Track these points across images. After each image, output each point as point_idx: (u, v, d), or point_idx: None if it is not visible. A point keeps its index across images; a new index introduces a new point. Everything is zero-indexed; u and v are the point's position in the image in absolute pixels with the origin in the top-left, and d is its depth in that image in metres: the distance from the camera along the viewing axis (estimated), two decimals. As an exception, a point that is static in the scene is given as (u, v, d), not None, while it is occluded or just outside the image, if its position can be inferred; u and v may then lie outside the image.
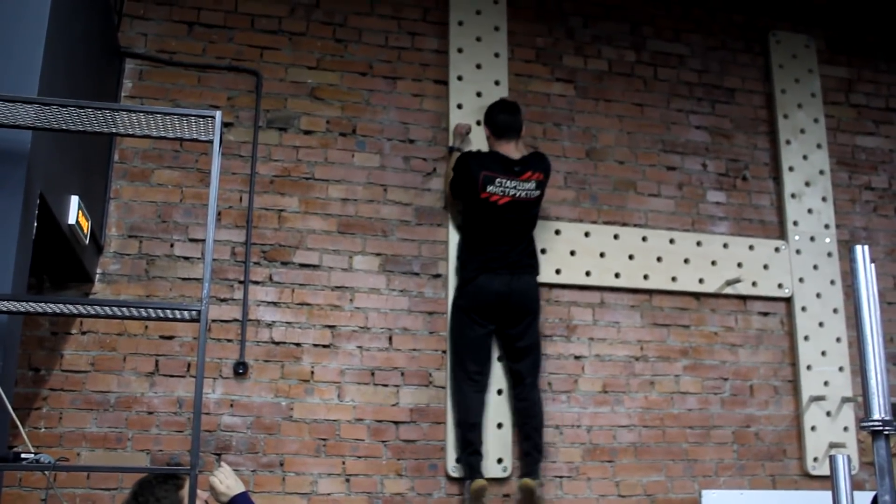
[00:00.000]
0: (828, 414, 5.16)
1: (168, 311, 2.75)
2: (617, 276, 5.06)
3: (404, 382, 4.66)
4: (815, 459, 5.09)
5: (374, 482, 4.51)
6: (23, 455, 2.65)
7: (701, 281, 5.19)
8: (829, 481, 4.84)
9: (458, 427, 4.56)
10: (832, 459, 2.76)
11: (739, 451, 5.05)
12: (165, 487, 3.18)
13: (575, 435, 4.83)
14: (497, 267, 4.56)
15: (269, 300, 4.60)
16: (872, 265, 2.38)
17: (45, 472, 2.67)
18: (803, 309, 5.30)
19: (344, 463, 4.50)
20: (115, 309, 2.75)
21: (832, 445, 5.04)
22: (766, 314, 5.30)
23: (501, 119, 4.72)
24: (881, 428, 2.25)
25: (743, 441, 5.07)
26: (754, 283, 5.27)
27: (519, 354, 4.67)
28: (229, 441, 4.39)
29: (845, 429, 5.13)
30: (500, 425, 4.68)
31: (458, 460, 4.54)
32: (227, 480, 3.30)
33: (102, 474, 4.22)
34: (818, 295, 5.34)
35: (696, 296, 5.20)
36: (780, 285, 5.30)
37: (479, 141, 4.92)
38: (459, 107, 5.04)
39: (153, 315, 2.79)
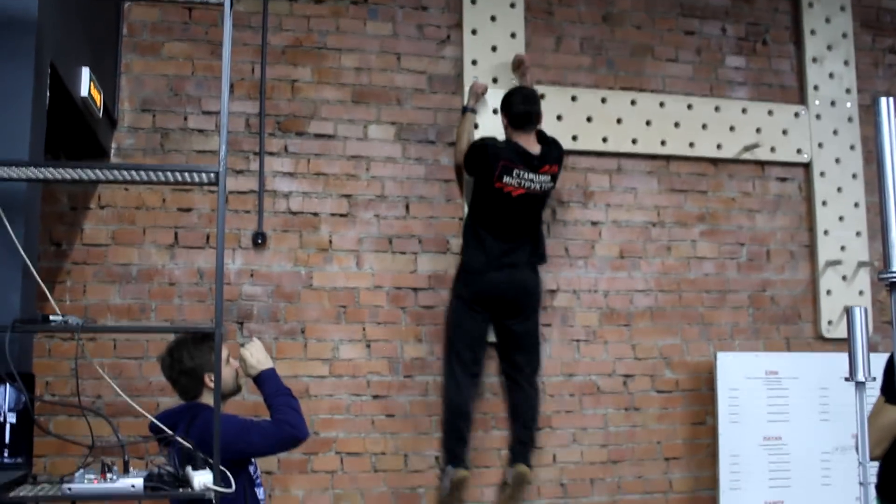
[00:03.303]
0: (843, 278, 5.19)
1: (187, 175, 2.74)
2: (634, 142, 5.02)
3: (422, 249, 4.70)
4: (830, 322, 5.14)
5: (394, 347, 4.61)
6: (51, 318, 2.70)
7: (719, 146, 5.14)
8: (842, 344, 4.90)
9: (448, 414, 4.51)
10: (849, 311, 2.79)
11: (755, 314, 5.10)
12: (200, 347, 3.24)
13: (592, 299, 4.88)
14: (502, 261, 4.47)
15: (285, 171, 4.60)
16: (897, 119, 2.35)
17: (75, 335, 2.70)
18: (822, 174, 5.26)
19: (364, 329, 4.58)
20: (133, 173, 2.75)
21: (847, 309, 5.07)
22: (784, 179, 5.27)
23: (520, 110, 4.52)
24: (899, 279, 2.26)
25: (758, 305, 5.12)
26: (773, 149, 5.22)
27: (517, 342, 4.59)
28: (251, 309, 4.47)
29: (860, 293, 5.17)
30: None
31: (442, 444, 4.52)
32: (257, 354, 3.35)
33: (129, 344, 4.32)
34: (837, 160, 5.29)
35: (714, 161, 5.16)
36: (798, 150, 5.25)
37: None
38: (472, -29, 4.91)
39: (171, 179, 2.78)
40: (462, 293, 4.52)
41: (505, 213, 4.47)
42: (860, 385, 2.77)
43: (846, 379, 2.83)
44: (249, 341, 3.40)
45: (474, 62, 4.83)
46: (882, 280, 2.28)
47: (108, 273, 4.38)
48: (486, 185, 4.48)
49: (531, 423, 4.58)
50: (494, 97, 4.74)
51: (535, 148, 4.52)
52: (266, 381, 3.33)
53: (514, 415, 4.60)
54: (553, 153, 4.57)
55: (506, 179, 4.41)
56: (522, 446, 4.54)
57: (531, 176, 4.45)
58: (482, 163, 4.48)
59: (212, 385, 3.21)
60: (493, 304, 4.50)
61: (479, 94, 4.73)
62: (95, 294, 4.35)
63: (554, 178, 4.56)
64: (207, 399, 3.26)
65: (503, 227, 4.49)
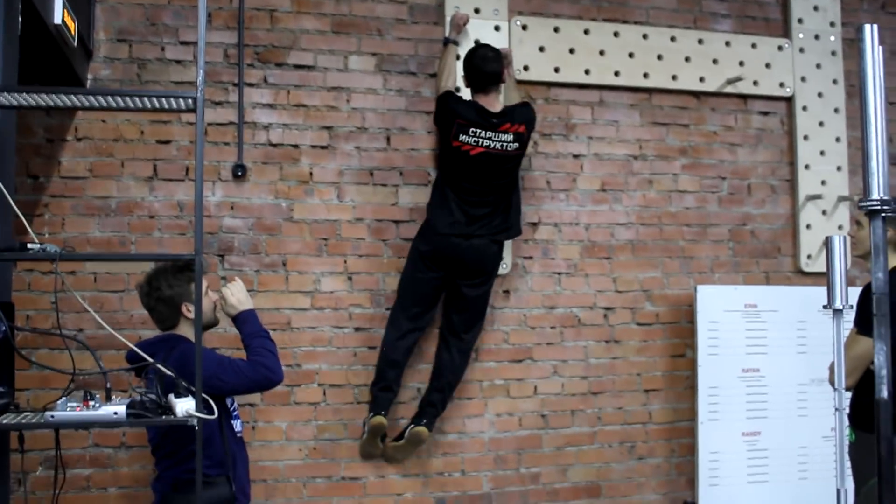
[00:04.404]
0: (823, 213, 5.22)
1: (164, 101, 2.71)
2: (616, 74, 4.98)
3: (403, 182, 4.68)
4: (809, 257, 5.18)
5: (376, 280, 4.61)
6: (29, 245, 2.67)
7: (702, 80, 5.11)
8: (821, 278, 4.94)
9: (380, 360, 4.50)
10: (829, 240, 2.80)
11: (735, 248, 5.13)
12: (179, 277, 3.25)
13: (573, 232, 4.89)
14: (466, 229, 4.40)
15: (264, 102, 4.54)
16: (881, 47, 2.33)
17: (54, 265, 2.68)
18: (804, 108, 5.26)
19: (346, 262, 4.58)
20: (110, 99, 2.70)
21: (827, 238, 5.09)
22: (766, 113, 5.26)
23: (478, 70, 4.42)
24: (879, 208, 2.26)
25: (739, 239, 5.15)
26: (755, 82, 5.20)
27: (464, 305, 4.53)
28: (231, 242, 4.45)
29: (840, 227, 5.19)
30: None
31: (370, 388, 4.52)
32: (238, 294, 3.35)
33: (109, 277, 4.30)
34: (820, 94, 5.29)
35: (697, 95, 5.14)
36: (781, 84, 5.24)
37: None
38: None
39: (149, 105, 2.75)
40: (420, 247, 4.48)
41: (466, 172, 4.41)
42: (837, 313, 2.80)
43: (824, 306, 2.86)
44: (231, 281, 3.40)
45: (456, -8, 4.76)
46: (862, 208, 2.28)
47: (86, 206, 4.33)
48: (446, 143, 4.44)
49: (447, 389, 4.58)
50: (476, 28, 4.68)
51: (495, 107, 4.44)
52: (245, 322, 3.34)
53: (434, 375, 4.59)
54: (518, 114, 4.48)
55: (462, 138, 4.35)
56: (431, 408, 4.54)
57: (489, 134, 4.36)
58: (441, 117, 4.45)
59: (189, 315, 3.24)
60: (448, 266, 4.46)
61: (460, 25, 4.65)
62: (74, 227, 4.31)
63: (519, 139, 4.43)
64: (184, 329, 3.28)
65: (467, 188, 4.42)
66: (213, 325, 3.47)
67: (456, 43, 4.65)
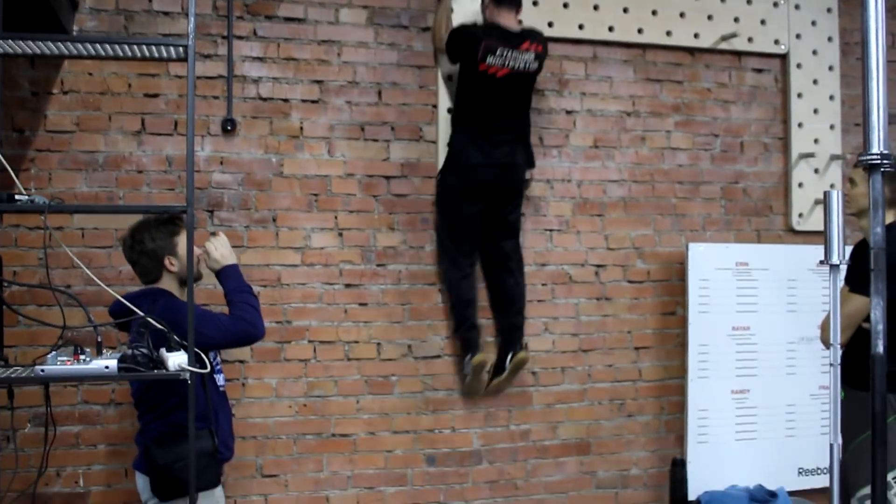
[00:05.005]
0: (816, 171, 5.20)
1: (154, 49, 2.65)
2: (610, 29, 4.92)
3: (395, 137, 4.63)
4: (801, 215, 5.17)
5: (367, 236, 4.58)
6: (17, 197, 2.63)
7: (696, 36, 5.06)
8: (812, 236, 4.94)
9: (454, 304, 4.58)
10: (826, 195, 2.78)
11: (727, 206, 5.12)
12: (162, 230, 3.23)
13: (565, 189, 4.87)
14: (496, 156, 4.43)
15: (254, 55, 4.47)
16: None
17: (42, 216, 2.64)
18: (798, 66, 5.22)
19: (336, 217, 4.54)
20: (98, 47, 2.64)
21: (818, 202, 5.10)
22: (760, 71, 5.22)
23: None
24: (878, 162, 2.25)
25: (731, 196, 5.13)
26: (750, 39, 5.15)
27: (510, 230, 4.62)
28: (221, 197, 4.40)
29: (832, 186, 5.17)
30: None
31: (455, 333, 4.61)
32: (221, 249, 3.34)
33: (97, 233, 4.25)
34: (814, 52, 5.24)
35: (691, 51, 5.09)
36: (776, 41, 5.19)
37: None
38: None
39: (138, 54, 2.69)
40: (457, 185, 4.48)
41: (491, 98, 4.41)
42: (834, 268, 2.78)
43: (821, 262, 2.85)
44: (215, 236, 3.38)
45: (449, -56, 4.68)
46: (861, 162, 2.26)
47: (73, 161, 4.27)
48: (470, 70, 4.40)
49: (523, 309, 4.67)
50: (470, -19, 4.62)
51: (515, 26, 4.45)
52: (228, 277, 3.33)
53: (506, 301, 4.65)
54: (534, 34, 4.50)
55: (489, 60, 4.33)
56: (519, 331, 4.63)
57: (514, 54, 4.37)
58: (465, 45, 4.40)
59: (172, 269, 3.25)
60: (488, 194, 4.49)
61: None
62: (61, 182, 4.25)
63: (538, 59, 4.47)
64: (167, 283, 3.28)
65: (492, 113, 4.43)
66: (197, 280, 3.44)
67: None
